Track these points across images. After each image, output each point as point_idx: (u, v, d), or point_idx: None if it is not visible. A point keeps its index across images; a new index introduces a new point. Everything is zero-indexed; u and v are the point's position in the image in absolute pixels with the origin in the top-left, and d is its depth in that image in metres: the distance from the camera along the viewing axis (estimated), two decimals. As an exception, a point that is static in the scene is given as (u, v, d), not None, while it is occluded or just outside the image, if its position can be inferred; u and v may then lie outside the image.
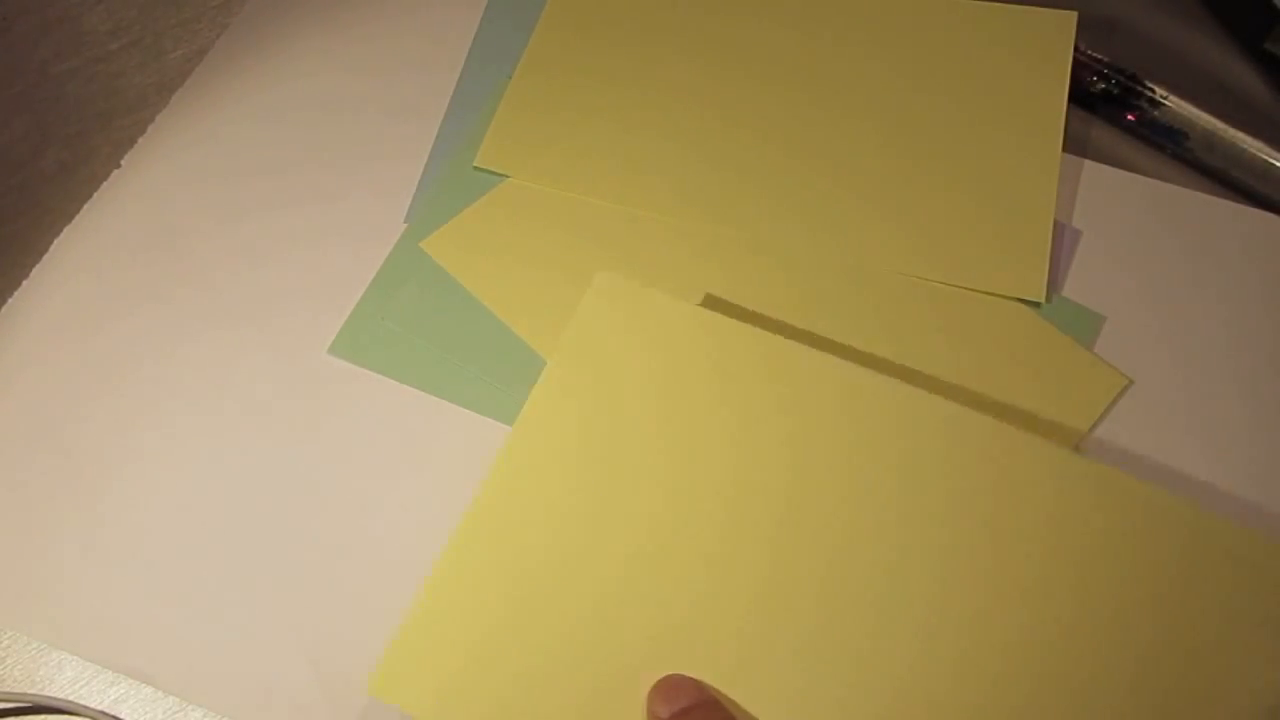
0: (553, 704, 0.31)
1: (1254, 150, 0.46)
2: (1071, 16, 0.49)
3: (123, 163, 0.50)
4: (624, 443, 0.34)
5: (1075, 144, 0.47)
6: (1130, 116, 0.48)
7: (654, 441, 0.34)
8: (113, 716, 0.37)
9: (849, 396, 0.35)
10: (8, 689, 0.38)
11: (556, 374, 0.37)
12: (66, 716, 0.38)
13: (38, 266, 0.48)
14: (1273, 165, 0.45)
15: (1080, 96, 0.49)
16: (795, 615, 0.31)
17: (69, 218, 0.49)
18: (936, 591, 0.31)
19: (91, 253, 0.48)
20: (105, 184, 0.50)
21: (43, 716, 0.38)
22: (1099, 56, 0.49)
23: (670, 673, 0.30)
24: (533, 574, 0.33)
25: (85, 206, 0.49)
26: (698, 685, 0.30)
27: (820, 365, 0.36)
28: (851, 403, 0.35)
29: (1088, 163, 0.47)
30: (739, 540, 0.32)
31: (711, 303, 0.39)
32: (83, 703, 0.38)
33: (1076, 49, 0.49)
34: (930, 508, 0.33)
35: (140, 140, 0.51)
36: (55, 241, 0.48)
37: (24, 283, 0.47)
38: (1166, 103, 0.47)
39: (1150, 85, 0.48)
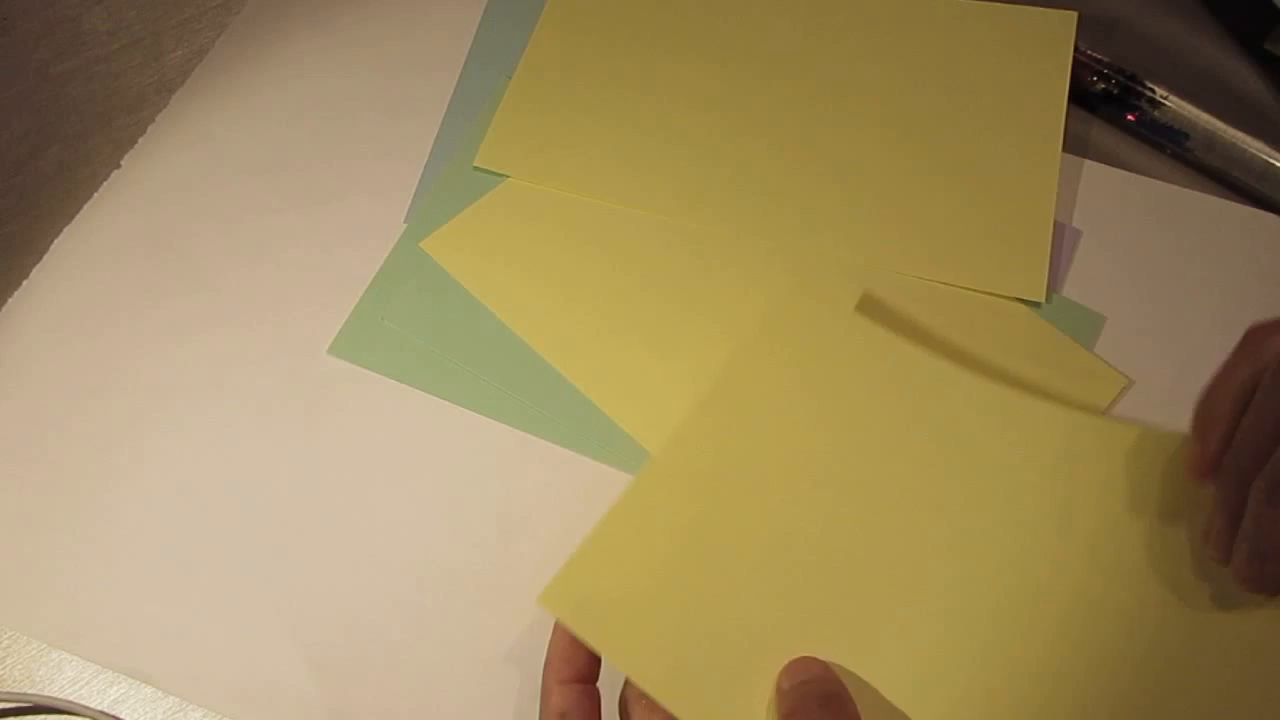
0: (700, 651, 0.32)
1: (1254, 150, 0.46)
2: (1071, 16, 0.49)
3: (123, 163, 0.50)
4: (801, 435, 0.36)
5: (1075, 144, 0.47)
6: (1130, 116, 0.48)
7: (826, 442, 0.36)
8: (113, 716, 0.37)
9: (996, 422, 0.37)
10: (8, 689, 0.38)
11: (746, 359, 0.38)
12: (66, 716, 0.38)
13: (38, 266, 0.48)
14: (1273, 165, 0.45)
15: (1080, 96, 0.48)
16: (936, 610, 0.33)
17: (69, 218, 0.49)
18: (1045, 579, 0.33)
19: (91, 253, 0.48)
20: (105, 184, 0.50)
21: (43, 716, 0.38)
22: (1099, 56, 0.49)
23: (805, 654, 0.32)
24: (703, 530, 0.34)
25: (85, 206, 0.49)
26: (824, 667, 0.31)
27: (967, 390, 0.38)
28: (997, 426, 0.37)
29: (1088, 163, 0.47)
30: (889, 539, 0.34)
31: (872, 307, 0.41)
32: (83, 703, 0.38)
33: (1076, 49, 0.49)
34: (1041, 505, 0.35)
35: (140, 140, 0.51)
36: (55, 241, 0.48)
37: (24, 283, 0.47)
38: (1166, 103, 0.47)
39: (1150, 85, 0.48)
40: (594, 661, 0.33)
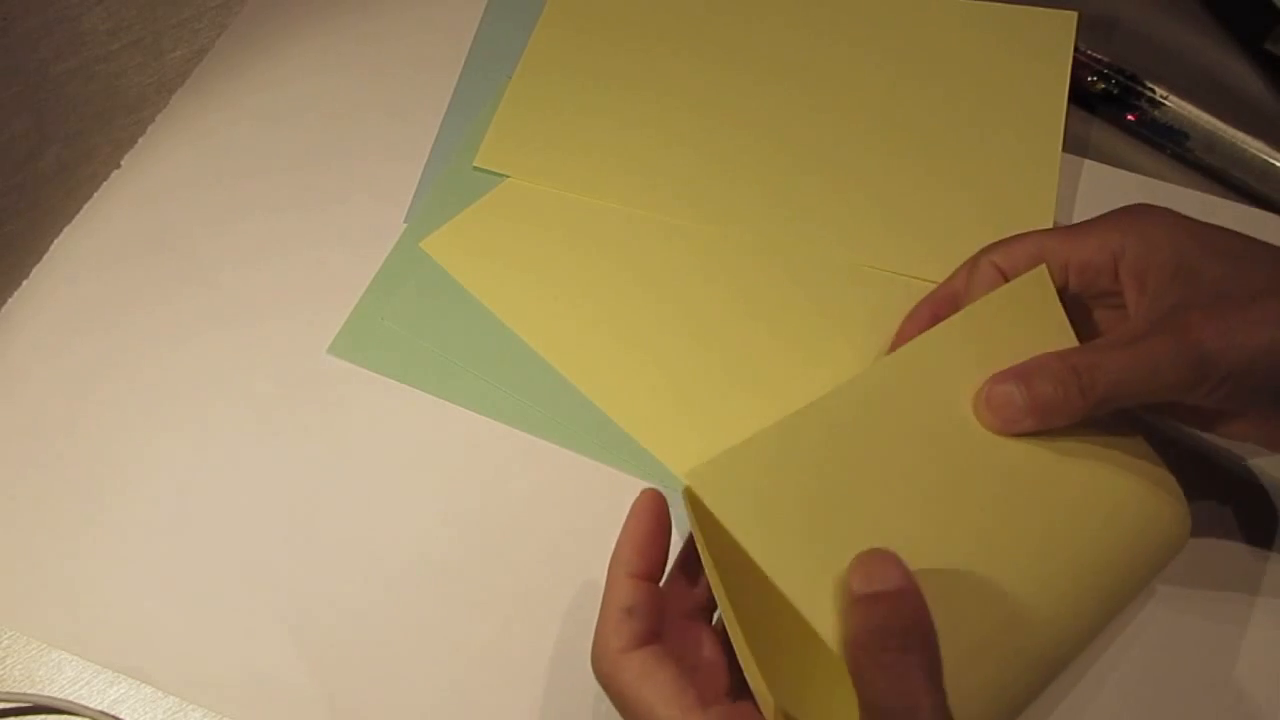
0: (835, 553, 0.30)
1: (1254, 150, 0.46)
2: (1071, 16, 0.49)
3: (123, 163, 0.50)
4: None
5: (1075, 144, 0.47)
6: (1130, 116, 0.48)
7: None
8: (113, 716, 0.37)
9: None
10: (8, 689, 0.38)
11: (952, 333, 0.36)
12: (66, 716, 0.38)
13: (38, 266, 0.48)
14: (1273, 165, 0.45)
15: (1080, 96, 0.48)
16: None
17: (69, 218, 0.49)
18: None
19: (91, 253, 0.48)
20: (105, 184, 0.50)
21: (43, 716, 0.38)
22: (1099, 56, 0.49)
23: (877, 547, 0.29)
24: (864, 467, 0.32)
25: (85, 206, 0.49)
26: (904, 574, 0.27)
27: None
28: None
29: (1088, 163, 0.47)
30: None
31: None
32: (83, 703, 0.38)
33: (1076, 49, 0.49)
34: None
35: (140, 140, 0.51)
36: (55, 241, 0.48)
37: (24, 283, 0.47)
38: (1166, 103, 0.47)
39: (1150, 85, 0.48)
40: (664, 558, 0.32)
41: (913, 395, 0.33)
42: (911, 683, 0.26)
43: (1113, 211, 0.35)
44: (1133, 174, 0.46)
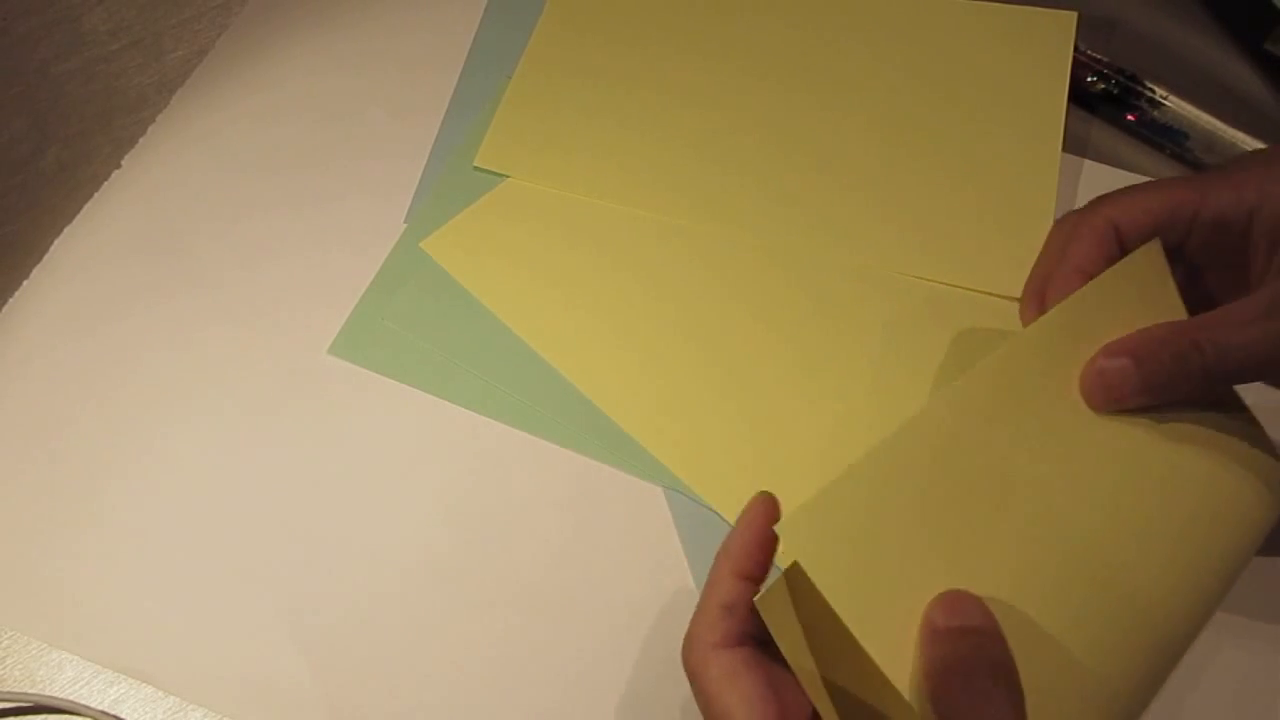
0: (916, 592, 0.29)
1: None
2: (1071, 16, 0.49)
3: (123, 163, 0.50)
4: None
5: (1075, 144, 0.47)
6: (1130, 116, 0.48)
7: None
8: (113, 716, 0.37)
9: None
10: (8, 689, 0.38)
11: (1048, 331, 0.33)
12: (66, 716, 0.38)
13: (38, 266, 0.48)
14: (1273, 165, 0.45)
15: (1080, 96, 0.48)
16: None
17: (69, 218, 0.49)
18: None
19: (91, 253, 0.48)
20: (105, 184, 0.50)
21: (43, 716, 0.38)
22: (1099, 56, 0.49)
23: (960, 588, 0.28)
24: (952, 498, 0.30)
25: (85, 206, 0.49)
26: (986, 613, 0.27)
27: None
28: None
29: (1088, 163, 0.47)
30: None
31: None
32: (83, 703, 0.38)
33: (1076, 49, 0.49)
34: None
35: (140, 140, 0.51)
36: (55, 241, 0.48)
37: (24, 283, 0.47)
38: (1166, 103, 0.47)
39: (1150, 85, 0.48)
40: (769, 564, 0.31)
41: (1017, 398, 0.31)
42: (1000, 712, 0.26)
43: (1246, 158, 0.32)
44: (1133, 174, 0.46)
